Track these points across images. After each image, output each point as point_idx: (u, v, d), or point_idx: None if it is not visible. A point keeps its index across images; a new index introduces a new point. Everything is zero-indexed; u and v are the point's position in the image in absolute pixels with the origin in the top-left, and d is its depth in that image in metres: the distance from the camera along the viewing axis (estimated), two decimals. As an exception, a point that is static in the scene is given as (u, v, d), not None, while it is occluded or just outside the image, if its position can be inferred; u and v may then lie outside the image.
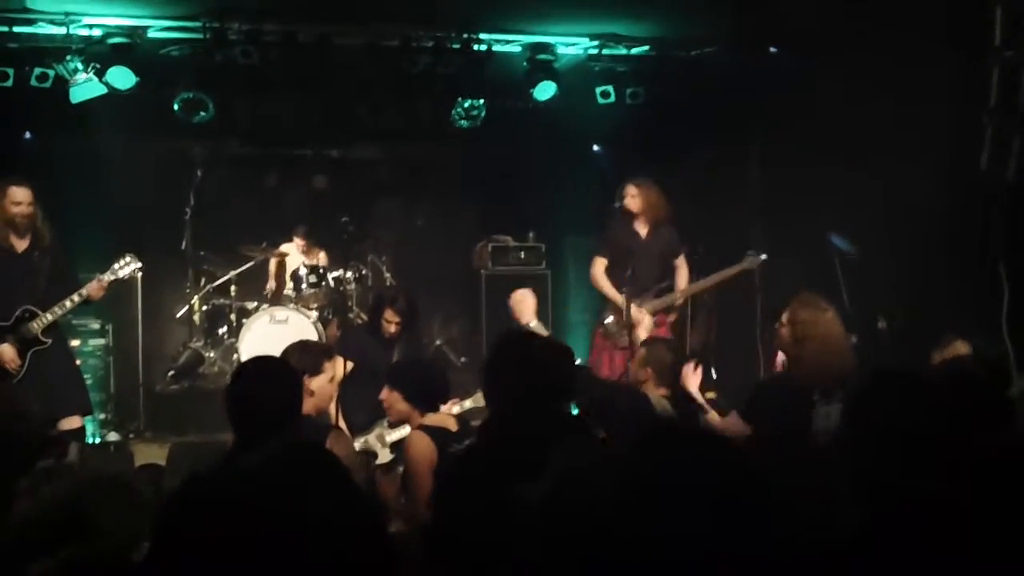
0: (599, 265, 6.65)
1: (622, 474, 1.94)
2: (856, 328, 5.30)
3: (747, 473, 1.60)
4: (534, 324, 4.61)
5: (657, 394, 4.36)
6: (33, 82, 6.75)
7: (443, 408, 5.71)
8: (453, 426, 4.01)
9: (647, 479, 1.47)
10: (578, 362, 4.69)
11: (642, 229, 6.62)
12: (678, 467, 1.64)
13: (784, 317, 4.08)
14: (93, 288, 5.56)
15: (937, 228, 6.01)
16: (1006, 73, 4.90)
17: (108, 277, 5.63)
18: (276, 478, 1.13)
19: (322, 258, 8.42)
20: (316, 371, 4.25)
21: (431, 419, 4.03)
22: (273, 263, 8.64)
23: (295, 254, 8.55)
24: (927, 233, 6.03)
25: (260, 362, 3.55)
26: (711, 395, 7.74)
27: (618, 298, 6.42)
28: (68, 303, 5.52)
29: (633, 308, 6.21)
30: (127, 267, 5.70)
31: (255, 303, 8.00)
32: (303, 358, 4.18)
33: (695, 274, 6.82)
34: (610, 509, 1.82)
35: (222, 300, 8.27)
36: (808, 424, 3.63)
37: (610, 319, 6.51)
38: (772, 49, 7.37)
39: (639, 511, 1.50)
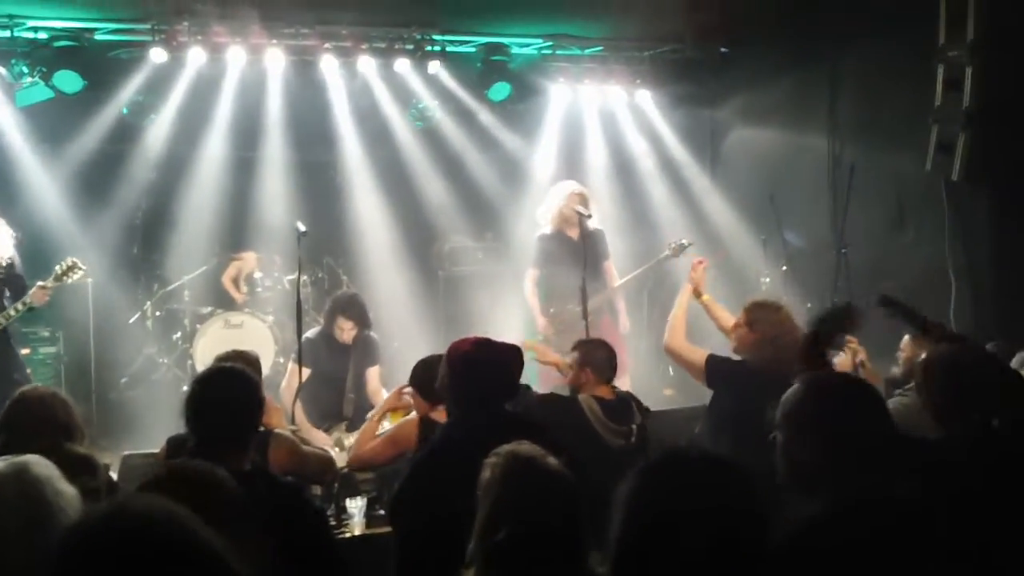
0: (529, 279, 6.61)
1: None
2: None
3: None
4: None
5: (594, 394, 4.20)
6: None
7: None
8: None
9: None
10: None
11: (573, 232, 6.41)
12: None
13: (741, 319, 4.09)
14: (36, 295, 5.40)
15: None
16: (950, 73, 4.98)
17: (51, 283, 5.47)
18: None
19: (277, 262, 8.31)
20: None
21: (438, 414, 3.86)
22: (231, 269, 8.51)
23: (249, 260, 8.44)
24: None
25: (232, 369, 3.45)
26: (669, 392, 7.83)
27: (537, 315, 6.51)
28: (12, 311, 5.40)
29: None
30: (70, 272, 5.54)
31: (209, 308, 7.89)
32: (255, 366, 4.20)
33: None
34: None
35: (175, 305, 8.15)
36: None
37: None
38: (723, 49, 7.46)
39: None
